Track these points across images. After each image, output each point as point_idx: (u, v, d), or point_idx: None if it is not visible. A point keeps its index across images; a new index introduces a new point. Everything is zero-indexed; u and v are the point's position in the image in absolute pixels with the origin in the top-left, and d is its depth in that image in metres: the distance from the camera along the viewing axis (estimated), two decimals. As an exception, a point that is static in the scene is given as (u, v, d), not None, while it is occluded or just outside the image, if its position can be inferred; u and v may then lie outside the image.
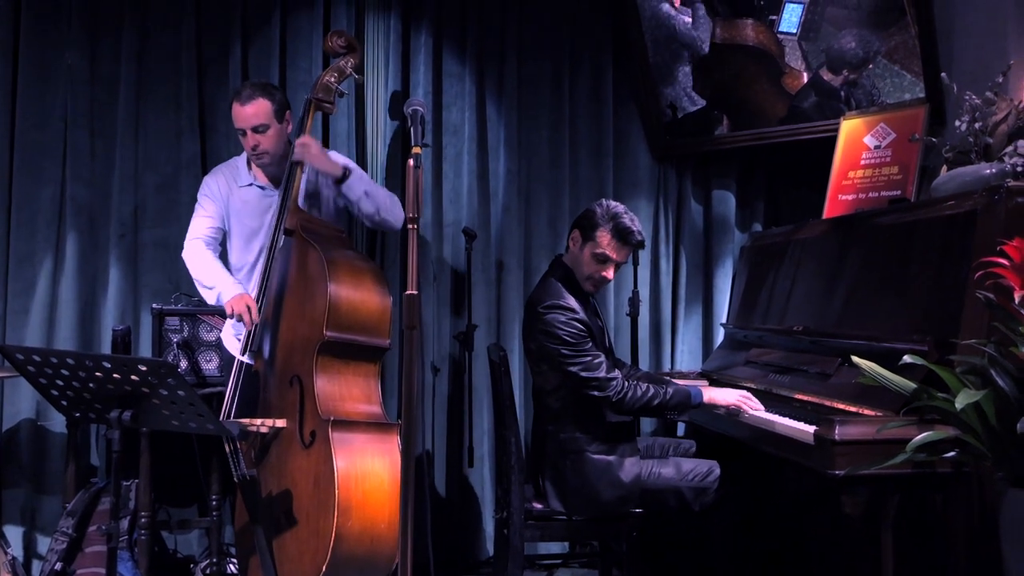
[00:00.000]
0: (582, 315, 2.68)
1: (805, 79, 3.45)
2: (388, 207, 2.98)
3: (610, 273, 2.77)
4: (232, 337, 3.01)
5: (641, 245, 2.81)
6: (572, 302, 2.68)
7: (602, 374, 2.62)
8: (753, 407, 2.65)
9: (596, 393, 2.62)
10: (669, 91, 3.72)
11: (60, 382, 2.14)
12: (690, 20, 3.57)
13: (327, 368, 2.69)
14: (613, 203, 2.76)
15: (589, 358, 2.62)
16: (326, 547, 2.50)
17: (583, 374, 2.61)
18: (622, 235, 2.71)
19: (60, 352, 2.12)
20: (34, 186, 3.37)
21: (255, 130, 2.88)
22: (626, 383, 2.64)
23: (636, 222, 2.74)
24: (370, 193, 2.94)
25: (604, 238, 2.70)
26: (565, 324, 2.63)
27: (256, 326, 2.78)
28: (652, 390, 2.65)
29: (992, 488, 2.06)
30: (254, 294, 2.83)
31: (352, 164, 3.05)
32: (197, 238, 3.00)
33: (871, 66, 3.26)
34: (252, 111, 2.87)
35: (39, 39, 3.37)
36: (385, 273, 3.16)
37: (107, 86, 3.42)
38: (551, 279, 2.77)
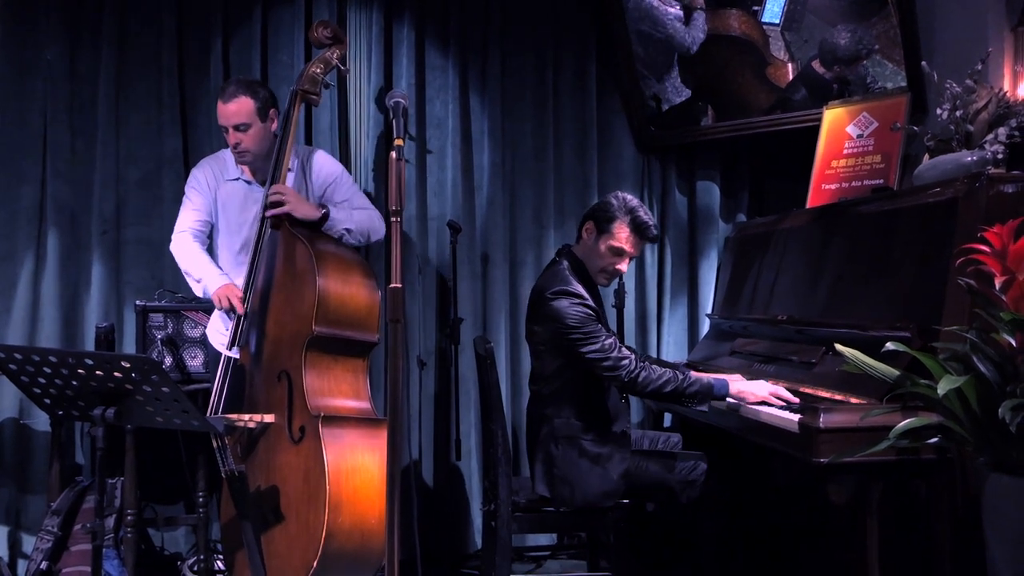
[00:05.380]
0: (590, 301, 2.68)
1: (789, 70, 3.46)
2: (370, 230, 2.96)
3: (624, 266, 2.77)
4: (217, 332, 3.00)
5: (656, 239, 2.80)
6: (580, 289, 2.68)
7: (615, 354, 2.60)
8: (783, 401, 2.51)
9: (609, 374, 2.60)
10: (653, 82, 3.72)
11: (42, 380, 2.13)
12: (678, 12, 3.56)
13: (316, 363, 2.68)
14: (628, 196, 2.76)
15: (602, 337, 2.61)
16: (317, 542, 2.49)
17: (596, 355, 2.59)
18: (640, 230, 2.72)
19: (42, 350, 2.11)
20: (14, 184, 3.34)
21: (237, 128, 2.85)
22: (640, 363, 2.62)
23: (651, 216, 2.75)
24: (352, 229, 2.91)
25: (622, 232, 2.71)
26: (571, 307, 2.62)
27: (244, 318, 2.76)
28: (668, 374, 2.60)
29: (974, 473, 2.07)
30: (241, 287, 2.82)
31: (336, 183, 3.01)
32: (184, 231, 2.97)
33: (865, 62, 3.27)
34: (234, 109, 2.84)
35: (17, 35, 3.33)
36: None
37: (87, 82, 3.39)
38: (560, 266, 2.76)
